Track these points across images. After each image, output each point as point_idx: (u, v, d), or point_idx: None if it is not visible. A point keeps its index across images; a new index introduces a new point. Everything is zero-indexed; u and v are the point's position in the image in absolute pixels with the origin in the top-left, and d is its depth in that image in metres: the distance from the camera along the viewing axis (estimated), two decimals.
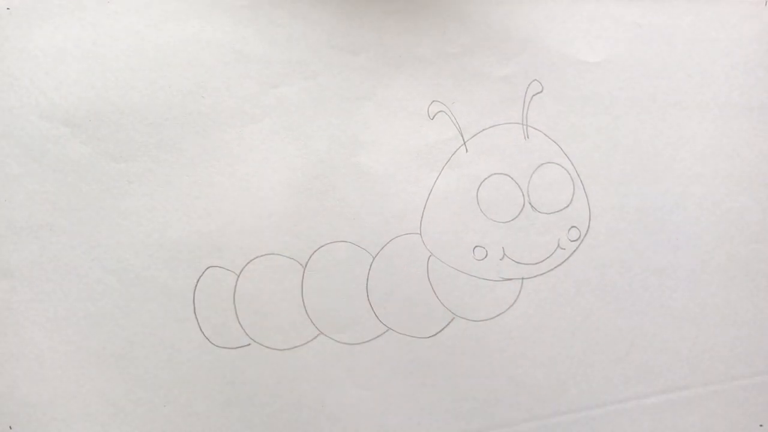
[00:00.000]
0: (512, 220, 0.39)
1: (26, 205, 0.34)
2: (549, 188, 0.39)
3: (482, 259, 0.39)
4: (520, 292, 0.39)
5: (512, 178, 0.39)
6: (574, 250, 0.40)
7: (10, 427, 0.34)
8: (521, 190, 0.39)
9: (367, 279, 0.38)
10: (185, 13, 0.35)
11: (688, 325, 0.42)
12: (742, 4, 0.41)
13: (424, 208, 0.38)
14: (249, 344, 0.36)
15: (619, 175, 0.40)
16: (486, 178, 0.39)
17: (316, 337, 0.37)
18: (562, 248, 0.40)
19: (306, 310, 0.37)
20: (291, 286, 0.37)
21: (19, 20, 0.33)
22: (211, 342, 0.36)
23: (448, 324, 0.39)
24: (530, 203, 0.39)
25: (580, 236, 0.40)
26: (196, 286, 0.36)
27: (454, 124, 0.38)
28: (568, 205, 0.40)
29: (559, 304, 0.40)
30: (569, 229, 0.40)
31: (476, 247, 0.39)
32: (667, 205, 0.41)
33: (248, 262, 0.36)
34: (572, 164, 0.40)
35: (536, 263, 0.39)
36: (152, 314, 0.35)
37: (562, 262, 0.40)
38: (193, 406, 0.36)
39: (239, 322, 0.36)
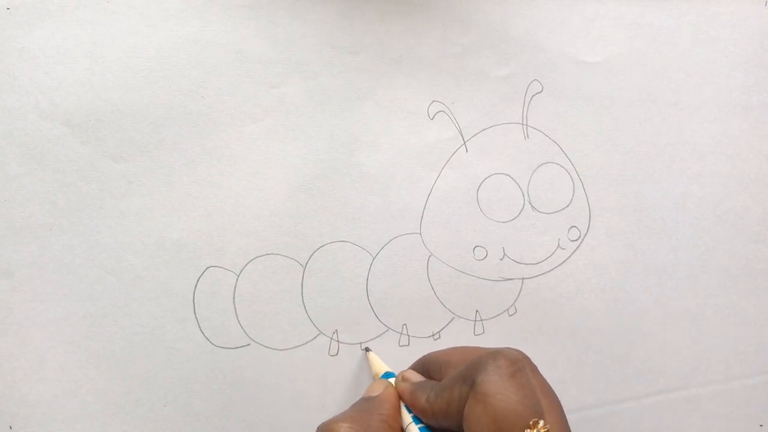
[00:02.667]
0: (512, 220, 0.39)
1: (26, 205, 0.34)
2: (549, 188, 0.39)
3: (482, 259, 0.39)
4: (520, 292, 0.39)
5: (512, 178, 0.39)
6: (574, 250, 0.40)
7: (10, 427, 0.34)
8: (521, 190, 0.39)
9: (367, 279, 0.38)
10: (185, 13, 0.35)
11: (688, 325, 0.42)
12: (742, 4, 0.41)
13: (424, 208, 0.38)
14: (249, 344, 0.36)
15: (619, 175, 0.40)
16: (486, 178, 0.39)
17: (316, 337, 0.37)
18: (562, 248, 0.40)
19: (306, 310, 0.37)
20: (291, 286, 0.37)
21: (19, 20, 0.33)
22: (211, 342, 0.36)
23: (448, 324, 0.39)
24: (530, 203, 0.39)
25: (580, 236, 0.40)
26: (196, 286, 0.36)
27: (454, 124, 0.38)
28: (568, 205, 0.40)
29: (559, 304, 0.40)
30: (569, 229, 0.40)
31: (476, 247, 0.39)
32: (667, 205, 0.41)
33: (248, 262, 0.36)
34: (572, 164, 0.40)
35: (536, 263, 0.39)
36: (152, 314, 0.35)
37: (562, 262, 0.40)
38: (193, 406, 0.36)
39: (239, 322, 0.36)
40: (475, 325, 0.39)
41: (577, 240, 0.40)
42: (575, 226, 0.40)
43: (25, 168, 0.34)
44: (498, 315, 0.39)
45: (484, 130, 0.39)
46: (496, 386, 0.27)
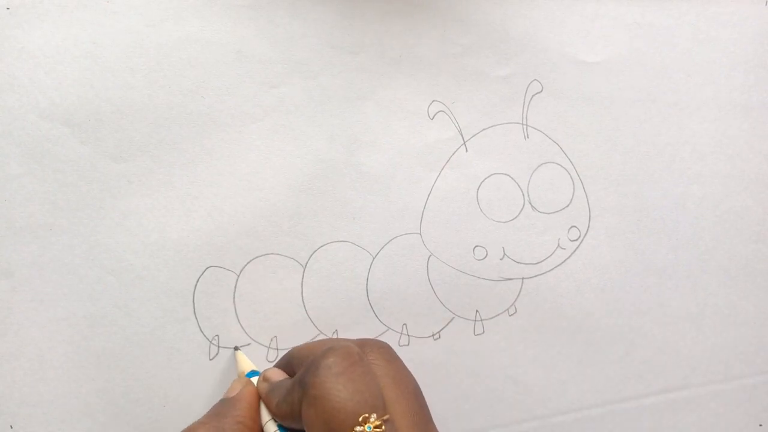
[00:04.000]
0: (512, 220, 0.39)
1: (26, 205, 0.34)
2: (549, 188, 0.39)
3: (482, 259, 0.39)
4: (520, 292, 0.39)
5: (512, 178, 0.39)
6: (574, 250, 0.40)
7: (11, 427, 0.34)
8: (521, 190, 0.39)
9: (367, 279, 0.38)
10: (185, 13, 0.35)
11: (688, 325, 0.42)
12: (742, 4, 0.41)
13: (424, 208, 0.38)
14: (249, 344, 0.36)
15: (619, 175, 0.40)
16: (486, 178, 0.39)
17: (316, 337, 0.37)
18: (562, 248, 0.40)
19: (306, 310, 0.37)
20: (291, 286, 0.37)
21: (19, 20, 0.33)
22: (211, 342, 0.36)
23: (448, 324, 0.39)
24: (530, 203, 0.39)
25: (580, 236, 0.40)
26: (196, 286, 0.36)
27: (454, 124, 0.38)
28: (568, 205, 0.40)
29: (559, 304, 0.40)
30: (569, 229, 0.40)
31: (476, 247, 0.39)
32: (667, 205, 0.41)
33: (248, 262, 0.36)
34: (572, 164, 0.40)
35: (536, 263, 0.39)
36: (152, 314, 0.35)
37: (562, 262, 0.40)
38: (193, 406, 0.36)
39: (239, 322, 0.36)
40: (475, 325, 0.39)
41: (577, 240, 0.40)
42: (575, 226, 0.40)
43: (25, 168, 0.34)
44: (498, 315, 0.39)
45: (484, 130, 0.39)
46: (324, 387, 0.26)
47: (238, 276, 0.36)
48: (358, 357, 0.27)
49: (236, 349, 0.36)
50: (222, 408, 0.31)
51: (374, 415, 0.26)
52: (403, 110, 0.38)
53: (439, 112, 0.38)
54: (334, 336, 0.37)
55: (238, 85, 0.36)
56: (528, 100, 0.39)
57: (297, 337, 0.37)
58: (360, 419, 0.25)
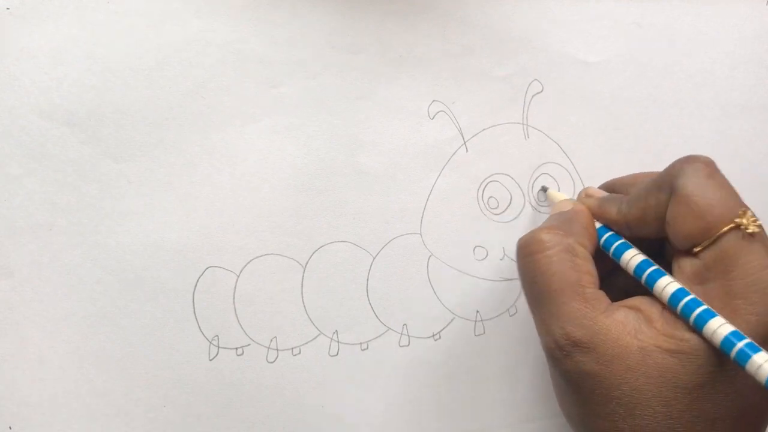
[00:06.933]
0: (513, 220, 0.39)
1: (26, 205, 0.34)
2: (549, 188, 0.39)
3: (482, 259, 0.39)
4: (520, 292, 0.39)
5: (512, 178, 0.39)
6: None
7: (10, 427, 0.34)
8: (521, 190, 0.39)
9: (367, 279, 0.38)
10: (185, 13, 0.35)
11: None
12: (742, 4, 0.41)
13: (424, 208, 0.38)
14: (249, 344, 0.36)
15: (619, 175, 0.40)
16: (486, 178, 0.39)
17: (316, 337, 0.37)
18: None
19: (306, 310, 0.37)
20: (291, 286, 0.37)
21: (19, 20, 0.33)
22: (210, 342, 0.36)
23: (448, 324, 0.39)
24: (531, 203, 0.39)
25: None
26: (195, 286, 0.36)
27: (454, 124, 0.38)
28: None
29: None
30: None
31: (476, 247, 0.39)
32: None
33: (248, 262, 0.36)
34: (572, 164, 0.40)
35: None
36: (152, 314, 0.35)
37: None
38: (192, 407, 0.36)
39: (239, 322, 0.36)
40: (475, 326, 0.39)
41: None
42: None
43: (25, 168, 0.34)
44: (499, 315, 0.39)
45: (484, 130, 0.39)
46: (697, 187, 0.28)
47: (238, 276, 0.36)
48: (715, 166, 0.29)
49: (545, 190, 0.38)
50: (564, 217, 0.33)
51: (750, 211, 0.27)
52: (403, 110, 0.38)
53: (439, 112, 0.38)
54: (335, 336, 0.37)
55: (238, 85, 0.36)
56: (528, 100, 0.39)
57: (297, 337, 0.37)
58: (740, 212, 0.27)
